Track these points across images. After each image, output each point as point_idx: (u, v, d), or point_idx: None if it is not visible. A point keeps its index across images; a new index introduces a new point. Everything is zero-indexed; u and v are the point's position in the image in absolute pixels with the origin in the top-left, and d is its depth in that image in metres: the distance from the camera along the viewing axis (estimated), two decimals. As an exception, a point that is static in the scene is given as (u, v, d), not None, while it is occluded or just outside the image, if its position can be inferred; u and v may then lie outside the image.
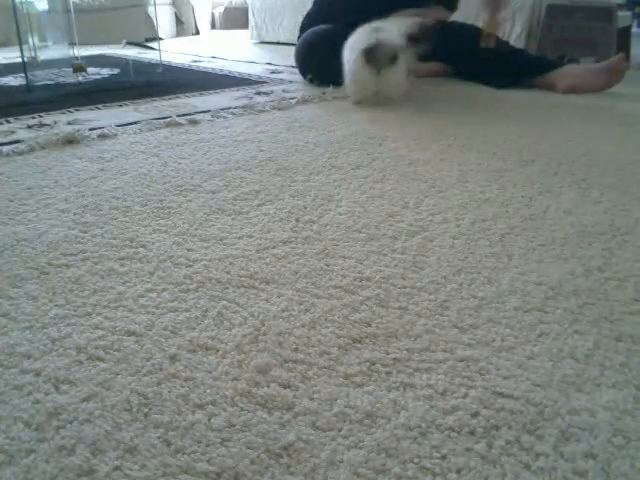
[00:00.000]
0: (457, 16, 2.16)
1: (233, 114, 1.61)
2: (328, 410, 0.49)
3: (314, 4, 2.15)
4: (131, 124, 1.49)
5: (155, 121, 1.50)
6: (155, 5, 3.73)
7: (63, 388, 0.51)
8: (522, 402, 0.50)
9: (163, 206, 0.94)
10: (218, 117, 1.57)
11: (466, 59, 2.03)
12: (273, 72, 2.42)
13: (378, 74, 1.50)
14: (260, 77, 2.27)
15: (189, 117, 1.54)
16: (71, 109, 1.68)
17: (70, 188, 1.02)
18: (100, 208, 0.93)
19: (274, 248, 0.79)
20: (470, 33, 2.04)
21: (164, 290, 0.68)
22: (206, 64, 2.70)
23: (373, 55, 1.48)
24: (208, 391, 0.51)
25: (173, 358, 0.56)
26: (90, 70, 2.41)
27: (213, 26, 5.09)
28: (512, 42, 2.29)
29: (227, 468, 0.43)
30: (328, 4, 2.07)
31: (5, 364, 0.55)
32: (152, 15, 3.82)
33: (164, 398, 0.50)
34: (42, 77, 2.23)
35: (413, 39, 1.53)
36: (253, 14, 3.76)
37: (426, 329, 0.61)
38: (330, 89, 1.87)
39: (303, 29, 2.09)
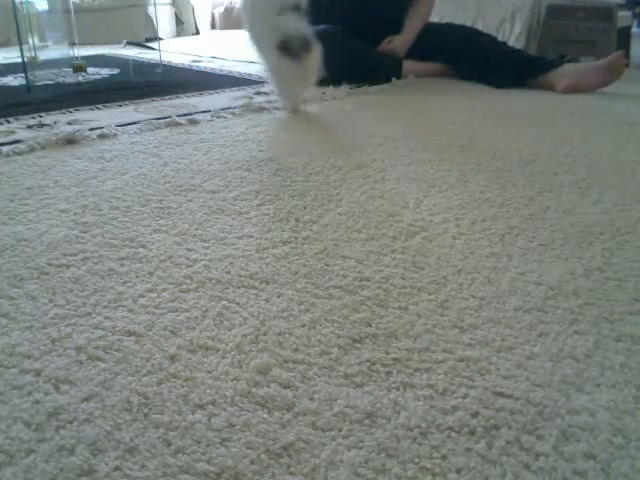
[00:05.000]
0: (457, 17, 2.16)
1: (233, 114, 1.61)
2: (328, 410, 0.49)
3: (310, 6, 2.15)
4: (131, 124, 1.48)
5: (155, 121, 1.50)
6: (155, 5, 3.72)
7: (63, 388, 0.51)
8: (522, 402, 0.50)
9: (163, 206, 0.94)
10: (218, 117, 1.57)
11: (465, 59, 2.03)
12: (273, 72, 2.42)
13: (300, 65, 1.40)
14: (260, 77, 2.26)
15: (189, 117, 1.54)
16: (71, 109, 1.68)
17: (70, 188, 1.02)
18: (100, 208, 0.93)
19: (274, 248, 0.79)
20: (468, 33, 2.04)
21: (164, 290, 0.68)
22: (206, 64, 2.70)
23: (289, 47, 1.39)
24: (208, 391, 0.51)
25: (173, 358, 0.56)
26: (90, 70, 2.41)
27: (213, 26, 5.08)
28: (512, 42, 2.30)
29: (227, 468, 0.43)
30: (327, 6, 2.07)
31: (5, 364, 0.55)
32: (152, 15, 3.81)
33: (164, 398, 0.50)
34: (42, 77, 2.23)
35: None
36: (253, 14, 3.75)
37: (426, 329, 0.61)
38: (330, 89, 1.86)
39: None
